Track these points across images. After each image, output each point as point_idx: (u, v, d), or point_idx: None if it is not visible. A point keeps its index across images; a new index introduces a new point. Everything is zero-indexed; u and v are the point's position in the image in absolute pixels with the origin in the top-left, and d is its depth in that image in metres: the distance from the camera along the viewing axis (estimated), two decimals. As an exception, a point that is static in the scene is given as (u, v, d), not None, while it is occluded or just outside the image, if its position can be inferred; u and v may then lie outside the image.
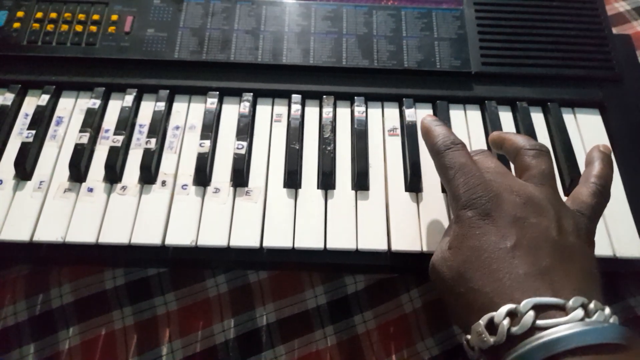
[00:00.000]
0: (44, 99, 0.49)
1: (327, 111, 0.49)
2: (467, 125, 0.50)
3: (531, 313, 0.29)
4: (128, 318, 0.46)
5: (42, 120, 0.48)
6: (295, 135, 0.48)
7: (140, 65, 0.51)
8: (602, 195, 0.37)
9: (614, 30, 0.61)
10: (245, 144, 0.47)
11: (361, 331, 0.46)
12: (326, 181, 0.46)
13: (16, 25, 0.52)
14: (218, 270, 0.48)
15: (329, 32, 0.53)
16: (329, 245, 0.42)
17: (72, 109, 0.50)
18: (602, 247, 0.44)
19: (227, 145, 0.48)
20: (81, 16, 0.52)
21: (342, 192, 0.45)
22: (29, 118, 0.48)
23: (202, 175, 0.45)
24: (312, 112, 0.50)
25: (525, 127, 0.49)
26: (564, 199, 0.38)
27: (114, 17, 0.53)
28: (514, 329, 0.29)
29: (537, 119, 0.51)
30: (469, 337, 0.32)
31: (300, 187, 0.46)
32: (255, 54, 0.51)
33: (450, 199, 0.37)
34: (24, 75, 0.50)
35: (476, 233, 0.34)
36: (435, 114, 0.50)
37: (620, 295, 0.47)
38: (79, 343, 0.45)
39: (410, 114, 0.49)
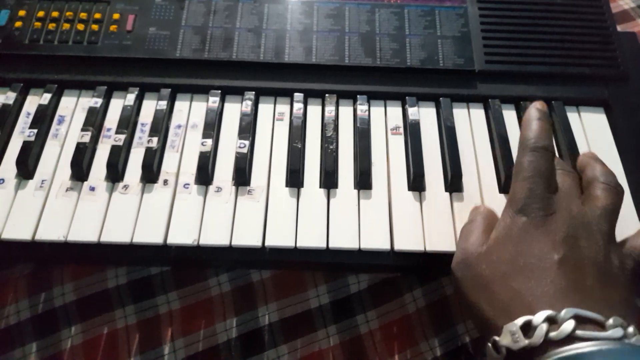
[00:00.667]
0: (46, 97, 0.49)
1: (330, 110, 0.49)
2: (470, 124, 0.50)
3: (571, 322, 0.30)
4: (130, 317, 0.46)
5: (44, 119, 0.48)
6: (297, 134, 0.47)
7: (142, 63, 0.51)
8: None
9: (619, 28, 0.61)
10: (247, 142, 0.46)
11: (364, 331, 0.46)
12: (328, 180, 0.45)
13: (18, 24, 0.52)
14: (220, 270, 0.48)
15: (332, 30, 0.53)
16: (332, 245, 0.42)
17: (74, 107, 0.50)
18: (607, 247, 0.43)
19: (229, 144, 0.48)
20: (83, 15, 0.52)
21: (344, 191, 0.45)
22: (31, 117, 0.48)
23: (204, 174, 0.45)
24: (314, 111, 0.50)
25: (529, 125, 0.49)
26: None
27: (116, 16, 0.52)
28: (552, 334, 0.30)
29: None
30: (497, 338, 0.32)
31: (302, 186, 0.46)
32: (258, 52, 0.51)
33: (510, 197, 0.38)
34: (26, 74, 0.50)
35: (527, 238, 0.35)
36: (438, 112, 0.50)
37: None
38: (81, 342, 0.45)
39: (413, 112, 0.49)
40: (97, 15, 0.52)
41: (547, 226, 0.35)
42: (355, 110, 0.50)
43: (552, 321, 0.31)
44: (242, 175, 0.45)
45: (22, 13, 0.52)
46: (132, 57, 0.51)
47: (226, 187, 0.45)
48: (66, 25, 0.52)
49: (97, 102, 0.49)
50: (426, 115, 0.50)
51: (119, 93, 0.50)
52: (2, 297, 0.46)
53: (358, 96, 0.50)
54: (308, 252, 0.43)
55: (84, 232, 0.42)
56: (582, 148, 0.48)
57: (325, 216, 0.44)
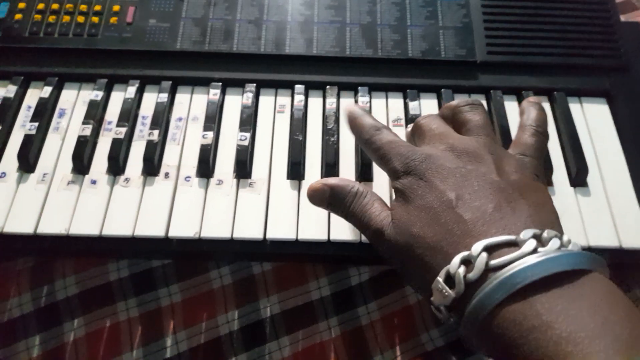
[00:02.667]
0: (47, 90, 0.49)
1: (331, 102, 0.49)
2: (472, 115, 0.50)
3: (484, 255, 0.29)
4: (132, 310, 0.46)
5: (44, 112, 0.48)
6: (298, 126, 0.47)
7: (142, 56, 0.51)
8: (540, 134, 0.38)
9: (622, 18, 0.60)
10: (248, 135, 0.46)
11: (365, 322, 0.46)
12: (330, 172, 0.45)
13: (18, 16, 0.51)
14: (222, 262, 0.48)
15: (333, 22, 0.52)
16: (333, 237, 0.42)
17: (74, 100, 0.50)
18: (608, 238, 0.43)
19: (230, 136, 0.47)
20: (83, 7, 0.52)
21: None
22: (32, 110, 0.48)
23: (205, 167, 0.45)
24: (315, 103, 0.50)
25: (531, 116, 0.49)
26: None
27: (116, 8, 0.52)
28: (470, 276, 0.29)
29: (544, 108, 0.50)
30: (432, 298, 0.31)
31: (303, 178, 0.46)
32: (258, 44, 0.51)
33: (390, 177, 0.37)
34: (27, 67, 0.50)
35: (418, 193, 0.34)
36: (440, 104, 0.50)
37: (627, 286, 0.47)
38: (84, 334, 0.45)
39: (414, 104, 0.49)
40: (97, 8, 0.52)
41: (428, 172, 0.34)
42: (356, 102, 0.49)
43: (468, 262, 0.29)
44: (243, 168, 0.45)
45: (22, 5, 0.52)
46: (133, 50, 0.51)
47: (227, 179, 0.45)
48: (66, 18, 0.52)
49: (98, 95, 0.49)
50: (428, 107, 0.50)
51: (119, 86, 0.50)
52: (4, 290, 0.46)
53: (359, 88, 0.50)
54: (309, 244, 0.43)
55: (86, 226, 0.42)
56: (584, 138, 0.48)
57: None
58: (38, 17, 0.52)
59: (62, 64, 0.50)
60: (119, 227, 0.42)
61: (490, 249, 0.29)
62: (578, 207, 0.45)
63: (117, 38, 0.51)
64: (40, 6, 0.52)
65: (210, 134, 0.46)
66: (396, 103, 0.50)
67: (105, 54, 0.51)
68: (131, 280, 0.47)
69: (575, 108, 0.50)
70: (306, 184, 0.45)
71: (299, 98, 0.49)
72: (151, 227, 0.43)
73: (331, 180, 0.38)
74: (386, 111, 0.50)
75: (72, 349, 0.44)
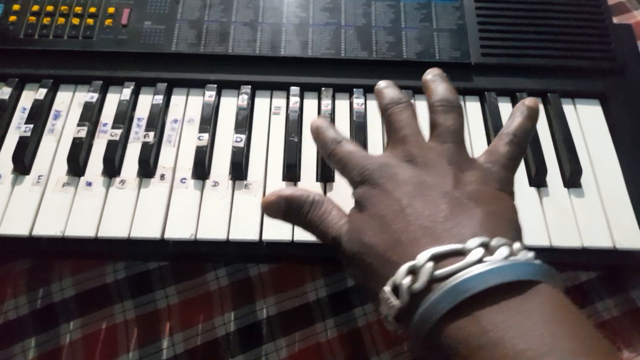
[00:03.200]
0: (42, 92, 0.49)
1: (326, 103, 0.49)
2: (466, 117, 0.50)
3: (429, 265, 0.27)
4: (129, 312, 0.46)
5: (40, 114, 0.48)
6: (294, 127, 0.47)
7: (137, 58, 0.51)
8: (515, 145, 0.36)
9: (615, 20, 0.61)
10: (243, 137, 0.46)
11: (362, 324, 0.46)
12: (325, 174, 0.45)
13: (12, 18, 0.51)
14: (218, 264, 0.48)
15: (328, 24, 0.52)
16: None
17: (69, 102, 0.49)
18: (602, 239, 0.44)
19: (226, 138, 0.48)
20: (78, 9, 0.52)
21: (341, 184, 0.45)
22: (27, 112, 0.48)
23: (201, 169, 0.45)
24: (310, 105, 0.50)
25: (525, 118, 0.49)
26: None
27: (111, 10, 0.52)
28: (415, 286, 0.28)
29: (534, 114, 0.50)
30: (380, 308, 0.30)
31: (299, 179, 0.46)
32: (254, 46, 0.51)
33: (350, 185, 0.36)
34: (21, 69, 0.50)
35: (372, 202, 0.33)
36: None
37: (621, 287, 0.47)
38: (80, 337, 0.45)
39: (409, 105, 0.49)
40: (92, 10, 0.52)
41: (381, 180, 0.33)
42: (351, 104, 0.50)
43: (414, 272, 0.28)
44: (238, 170, 0.45)
45: (16, 7, 0.52)
46: (128, 52, 0.50)
47: (223, 181, 0.45)
48: (61, 20, 0.51)
49: (93, 97, 0.49)
50: (422, 109, 0.50)
51: (114, 88, 0.50)
52: (0, 293, 0.46)
53: (354, 90, 0.50)
54: (306, 245, 0.43)
55: (82, 227, 0.42)
56: (578, 140, 0.48)
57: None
58: (33, 19, 0.51)
59: (57, 65, 0.50)
60: (114, 228, 0.42)
61: (437, 259, 0.28)
62: (572, 208, 0.45)
63: (112, 40, 0.51)
64: (35, 8, 0.52)
65: (205, 136, 0.46)
66: (391, 105, 0.50)
67: (100, 55, 0.51)
68: (128, 282, 0.47)
69: (569, 110, 0.50)
70: (302, 185, 0.45)
71: (295, 100, 0.49)
72: (147, 228, 0.42)
73: (286, 191, 0.37)
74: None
75: (68, 351, 0.44)
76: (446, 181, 0.32)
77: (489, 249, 0.28)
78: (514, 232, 0.31)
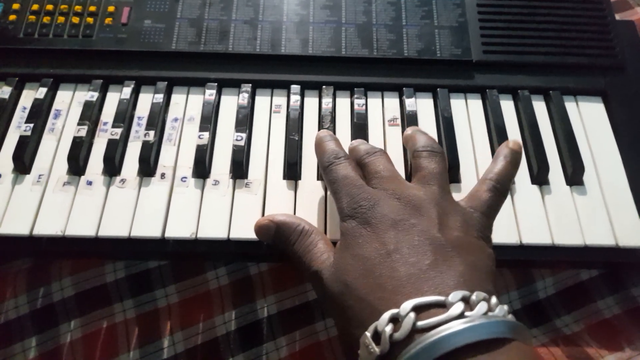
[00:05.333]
0: (42, 92, 0.49)
1: (327, 102, 0.49)
2: (468, 114, 0.50)
3: (411, 315, 0.28)
4: (129, 311, 0.46)
5: (40, 114, 0.48)
6: (294, 126, 0.47)
7: (137, 56, 0.51)
8: (497, 192, 0.37)
9: (617, 17, 0.60)
10: (244, 135, 0.46)
11: (362, 322, 0.46)
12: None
13: (12, 17, 0.51)
14: (219, 263, 0.47)
15: (328, 21, 0.52)
16: (330, 237, 0.42)
17: (70, 101, 0.49)
18: (605, 237, 0.43)
19: (226, 136, 0.47)
20: (78, 8, 0.52)
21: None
22: (27, 111, 0.48)
23: (202, 168, 0.45)
24: (311, 103, 0.50)
25: (527, 115, 0.49)
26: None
27: (111, 9, 0.52)
28: (396, 335, 0.28)
29: (539, 107, 0.50)
30: (359, 352, 0.30)
31: (300, 178, 0.46)
32: (254, 45, 0.51)
33: (338, 213, 0.37)
34: (21, 69, 0.50)
35: (358, 242, 0.33)
36: (435, 103, 0.50)
37: (623, 285, 0.47)
38: (81, 336, 0.45)
39: (410, 103, 0.49)
40: (92, 8, 0.52)
41: (372, 220, 0.34)
42: (352, 103, 0.49)
43: (397, 320, 0.29)
44: (239, 168, 0.45)
45: (16, 6, 0.52)
46: (128, 50, 0.50)
47: (223, 180, 0.45)
48: (61, 19, 0.51)
49: (93, 95, 0.48)
50: (423, 106, 0.50)
51: (115, 86, 0.50)
52: (0, 292, 0.46)
53: (355, 89, 0.50)
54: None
55: (82, 227, 0.42)
56: (580, 137, 0.48)
57: (323, 208, 0.44)
58: (32, 18, 0.51)
59: (57, 65, 0.50)
60: (115, 228, 0.42)
61: (419, 309, 0.29)
62: (574, 206, 0.45)
63: (112, 39, 0.51)
64: (35, 7, 0.52)
65: (206, 135, 0.46)
66: (392, 103, 0.50)
67: (100, 54, 0.50)
68: (128, 281, 0.47)
69: (571, 107, 0.50)
70: (303, 184, 0.45)
71: (295, 98, 0.49)
72: (147, 227, 0.42)
73: (278, 217, 0.38)
74: (382, 111, 0.50)
75: (68, 350, 0.44)
76: (432, 225, 0.33)
77: (469, 303, 0.29)
78: (491, 284, 0.32)
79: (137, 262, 0.47)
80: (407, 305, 0.29)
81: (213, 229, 0.42)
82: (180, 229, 0.42)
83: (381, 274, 0.31)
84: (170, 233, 0.42)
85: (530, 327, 0.46)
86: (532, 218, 0.44)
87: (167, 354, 0.44)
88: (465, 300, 0.29)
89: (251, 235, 0.42)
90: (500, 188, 0.37)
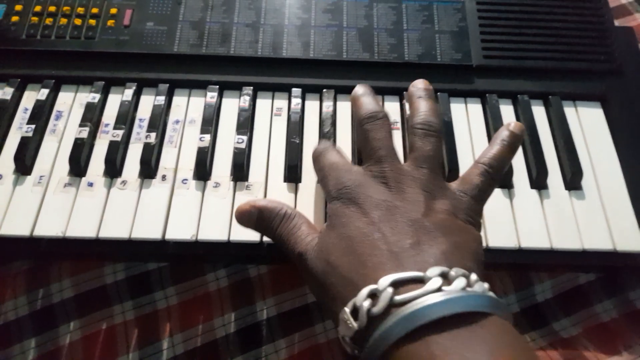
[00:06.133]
0: (44, 93, 0.49)
1: (328, 105, 0.49)
2: (468, 119, 0.50)
3: (389, 290, 0.28)
4: (129, 312, 0.46)
5: (41, 115, 0.48)
6: (295, 129, 0.48)
7: (139, 58, 0.51)
8: (489, 176, 0.37)
9: (616, 23, 0.61)
10: (245, 138, 0.46)
11: (362, 325, 0.46)
12: (326, 175, 0.45)
13: (15, 18, 0.51)
14: (218, 265, 0.48)
15: (330, 25, 0.52)
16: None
17: (71, 103, 0.49)
18: (603, 241, 0.44)
19: (227, 139, 0.48)
20: (80, 9, 0.52)
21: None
22: (29, 112, 0.48)
23: (202, 170, 0.45)
24: (312, 106, 0.50)
25: (526, 120, 0.49)
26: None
27: (113, 11, 0.52)
28: (374, 310, 0.28)
29: (539, 112, 0.50)
30: (339, 328, 0.31)
31: (300, 181, 0.46)
32: (255, 48, 0.51)
33: (325, 197, 0.37)
34: (23, 70, 0.50)
35: (342, 221, 0.34)
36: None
37: (620, 289, 0.47)
38: (80, 337, 0.45)
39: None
40: (95, 10, 0.52)
41: (357, 200, 0.34)
42: (353, 106, 0.50)
43: (375, 296, 0.29)
44: (240, 171, 0.45)
45: (18, 8, 0.52)
46: (130, 52, 0.51)
47: (224, 182, 0.45)
48: (63, 20, 0.52)
49: (95, 97, 0.49)
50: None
51: (116, 88, 0.50)
52: (0, 294, 0.46)
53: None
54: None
55: (82, 228, 0.42)
56: (579, 142, 0.49)
57: (323, 211, 0.44)
58: (35, 19, 0.52)
59: (59, 66, 0.50)
60: (115, 229, 0.42)
61: (397, 284, 0.29)
62: (573, 210, 0.45)
63: (114, 41, 0.51)
64: (37, 8, 0.52)
65: (207, 137, 0.46)
66: (393, 106, 0.50)
67: (102, 56, 0.51)
68: (127, 283, 0.47)
69: (570, 112, 0.51)
70: (303, 187, 0.45)
71: (296, 101, 0.49)
72: (148, 229, 0.42)
73: (260, 202, 0.38)
74: (383, 114, 0.50)
75: (68, 352, 0.44)
76: (417, 208, 0.33)
77: (447, 279, 0.29)
78: (474, 263, 0.32)
79: (136, 264, 0.47)
80: (385, 280, 0.29)
81: (213, 231, 0.43)
82: (180, 230, 0.43)
83: (363, 252, 0.32)
84: (171, 235, 0.42)
85: (529, 331, 0.46)
86: (531, 222, 0.44)
87: (166, 356, 0.44)
88: (444, 275, 0.29)
89: (252, 237, 0.42)
90: (493, 173, 0.37)
